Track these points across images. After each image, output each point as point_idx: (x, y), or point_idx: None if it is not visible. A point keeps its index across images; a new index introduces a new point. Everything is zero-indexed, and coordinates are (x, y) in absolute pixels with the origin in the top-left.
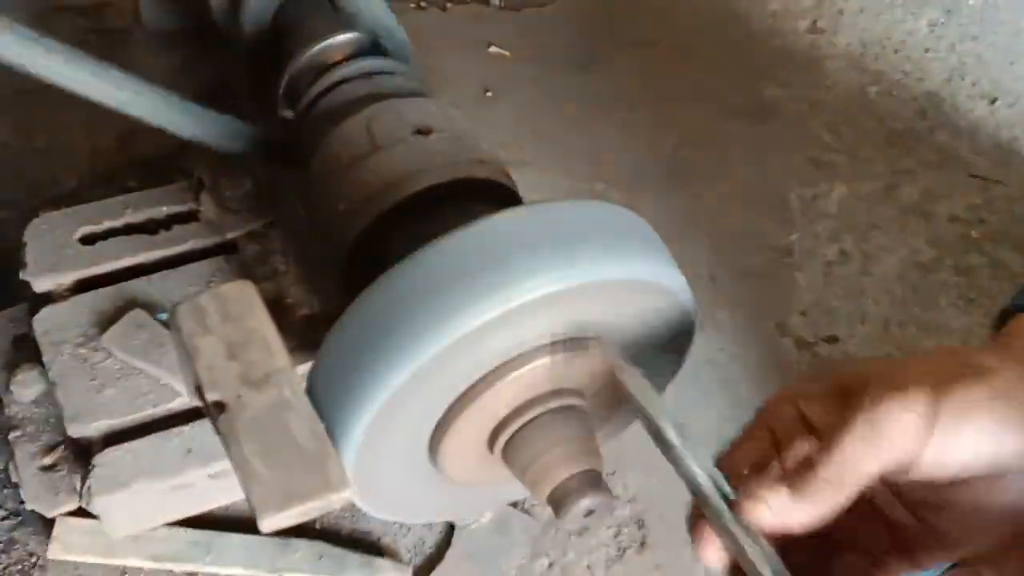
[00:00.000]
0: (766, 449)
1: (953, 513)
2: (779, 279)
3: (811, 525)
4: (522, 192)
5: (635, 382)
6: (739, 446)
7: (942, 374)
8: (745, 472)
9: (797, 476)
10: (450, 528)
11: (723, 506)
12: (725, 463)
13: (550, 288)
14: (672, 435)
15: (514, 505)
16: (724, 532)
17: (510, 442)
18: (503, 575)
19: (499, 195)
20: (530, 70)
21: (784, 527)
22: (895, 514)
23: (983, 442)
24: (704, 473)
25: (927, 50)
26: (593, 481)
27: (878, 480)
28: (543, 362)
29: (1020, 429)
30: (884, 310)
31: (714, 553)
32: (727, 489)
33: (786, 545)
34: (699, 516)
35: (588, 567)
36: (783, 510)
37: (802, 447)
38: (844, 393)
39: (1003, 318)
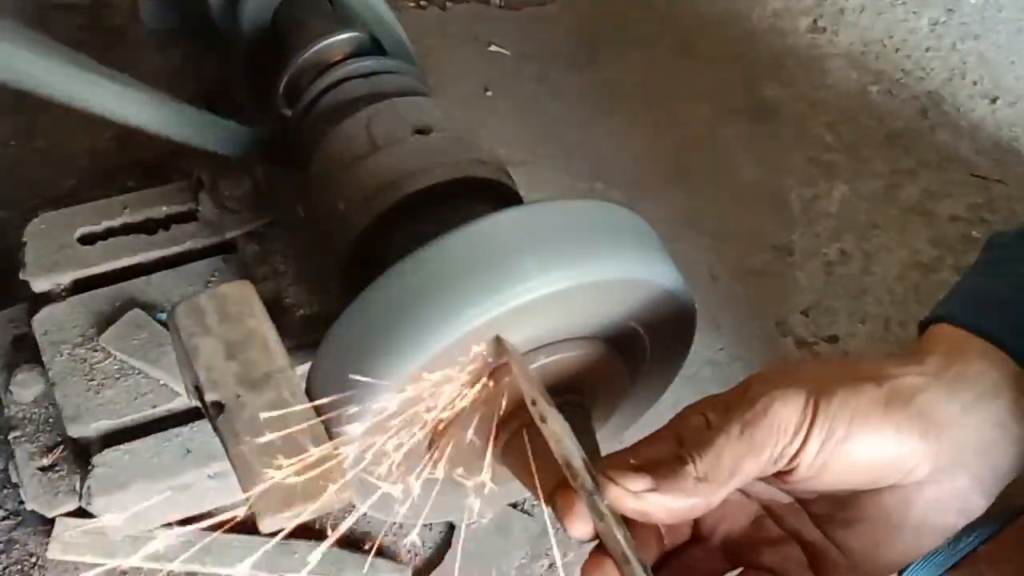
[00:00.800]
0: (667, 451)
1: (861, 530)
2: (780, 279)
3: (678, 516)
4: (522, 192)
5: (517, 359)
6: (640, 446)
7: (827, 377)
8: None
9: (666, 468)
10: (450, 528)
11: (592, 484)
12: (623, 458)
13: (550, 288)
14: (551, 412)
15: (514, 505)
16: (592, 509)
17: (510, 442)
18: (503, 575)
19: (499, 194)
20: (530, 69)
21: (644, 515)
22: (808, 535)
23: (880, 447)
24: (578, 451)
25: (928, 49)
26: None
27: (785, 496)
28: (543, 362)
29: (920, 436)
30: (885, 309)
31: (581, 526)
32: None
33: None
34: (568, 490)
35: None
36: (646, 500)
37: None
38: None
39: (922, 330)
